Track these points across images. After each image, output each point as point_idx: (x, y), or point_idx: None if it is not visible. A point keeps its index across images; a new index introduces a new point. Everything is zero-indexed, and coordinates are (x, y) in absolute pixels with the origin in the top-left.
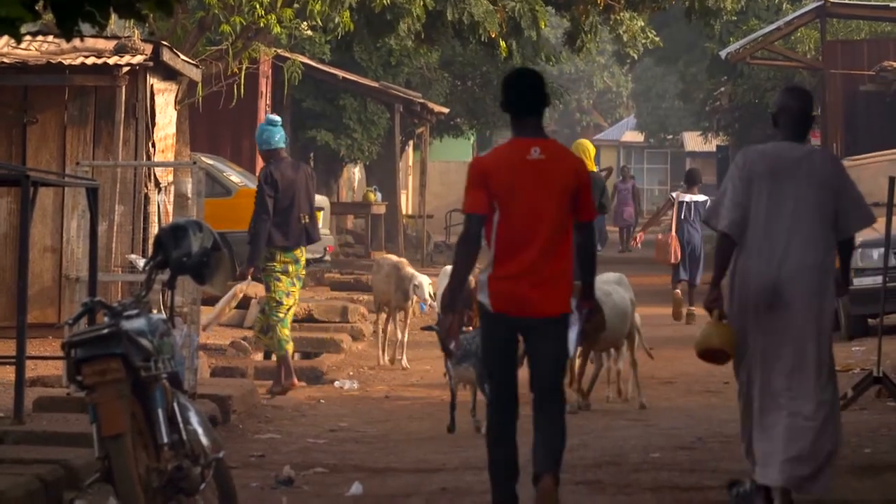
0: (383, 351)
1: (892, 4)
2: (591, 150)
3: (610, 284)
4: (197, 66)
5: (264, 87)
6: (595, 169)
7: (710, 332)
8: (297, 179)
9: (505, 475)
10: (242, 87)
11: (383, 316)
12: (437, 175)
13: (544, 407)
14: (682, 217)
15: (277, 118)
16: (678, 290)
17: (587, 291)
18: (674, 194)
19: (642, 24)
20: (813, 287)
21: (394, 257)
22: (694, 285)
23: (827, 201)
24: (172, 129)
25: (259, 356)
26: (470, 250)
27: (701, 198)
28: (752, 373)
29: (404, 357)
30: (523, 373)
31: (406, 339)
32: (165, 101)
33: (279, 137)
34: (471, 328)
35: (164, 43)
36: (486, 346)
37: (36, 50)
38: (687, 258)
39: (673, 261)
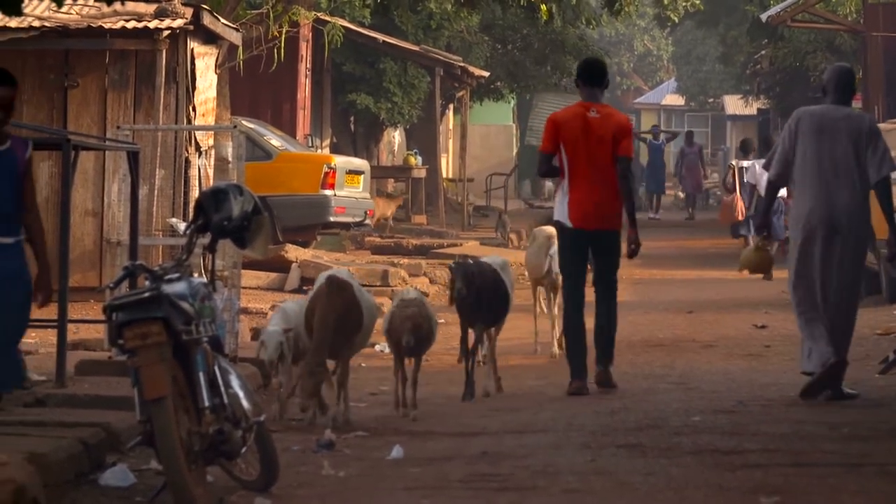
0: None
1: None
2: None
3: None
4: (237, 30)
5: (304, 50)
6: None
7: (749, 258)
8: None
9: (576, 348)
10: (283, 50)
11: (540, 293)
12: (478, 139)
13: (605, 294)
14: (743, 181)
15: None
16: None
17: (630, 219)
18: (733, 162)
19: None
20: (855, 221)
21: (550, 229)
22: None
23: (861, 152)
24: (213, 93)
25: None
26: (546, 172)
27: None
28: (810, 287)
29: (554, 344)
30: None
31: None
32: (206, 65)
33: None
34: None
35: (205, 6)
36: (564, 255)
37: (77, 14)
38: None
39: (740, 218)
